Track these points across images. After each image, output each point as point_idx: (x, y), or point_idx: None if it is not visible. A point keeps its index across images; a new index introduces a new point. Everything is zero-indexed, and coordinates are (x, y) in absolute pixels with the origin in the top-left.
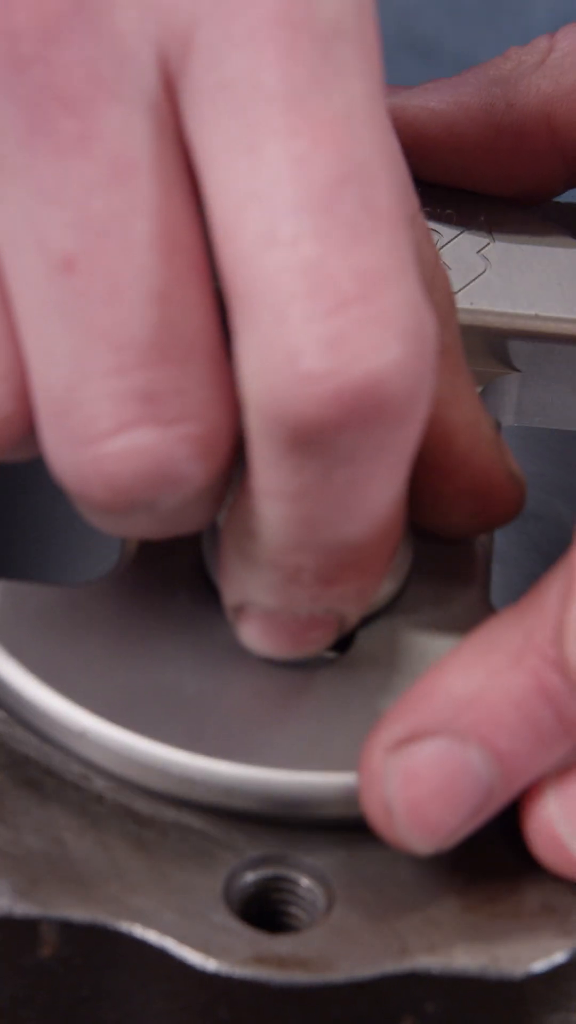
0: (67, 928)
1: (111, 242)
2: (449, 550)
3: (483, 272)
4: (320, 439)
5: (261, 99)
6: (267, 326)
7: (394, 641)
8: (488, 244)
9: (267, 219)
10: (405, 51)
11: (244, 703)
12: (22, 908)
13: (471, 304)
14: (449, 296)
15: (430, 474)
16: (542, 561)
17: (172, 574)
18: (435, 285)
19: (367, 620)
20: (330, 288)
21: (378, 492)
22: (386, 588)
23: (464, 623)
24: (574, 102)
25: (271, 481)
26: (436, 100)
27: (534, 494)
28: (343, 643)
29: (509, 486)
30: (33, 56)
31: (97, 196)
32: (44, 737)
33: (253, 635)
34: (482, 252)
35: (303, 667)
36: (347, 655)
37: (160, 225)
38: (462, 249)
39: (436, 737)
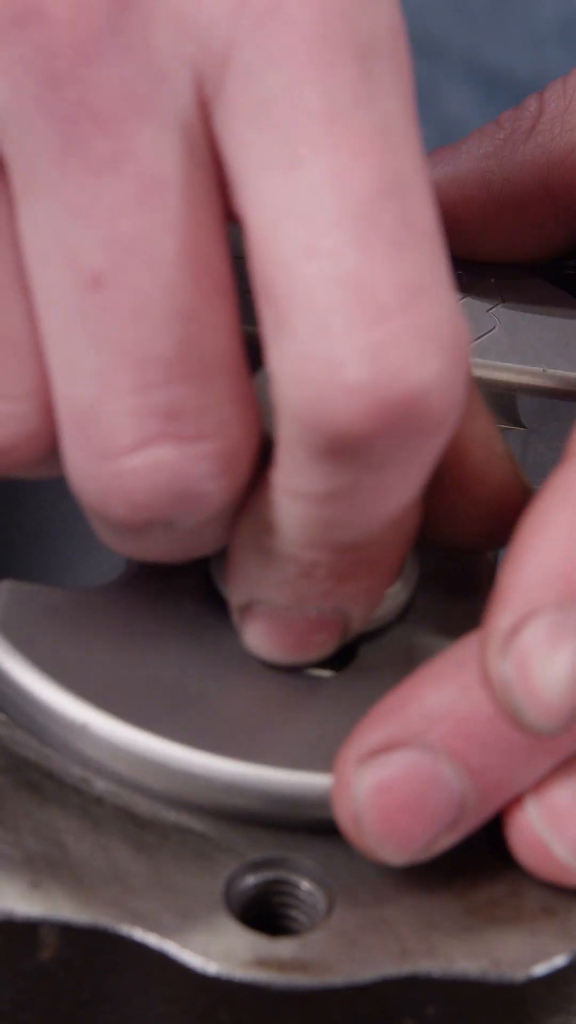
0: (67, 931)
1: (138, 260)
2: (453, 564)
3: (492, 329)
4: (356, 448)
5: (301, 116)
6: (307, 336)
7: (398, 652)
8: (497, 304)
9: (308, 231)
10: (413, 51)
11: (246, 705)
12: (22, 911)
13: (480, 360)
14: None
15: (447, 489)
16: None
17: (178, 581)
18: None
19: (372, 634)
20: (371, 299)
21: (401, 495)
22: (392, 602)
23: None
24: (568, 170)
25: (300, 483)
26: (435, 178)
27: None
28: (343, 659)
29: (525, 499)
30: (69, 74)
31: (127, 215)
32: (45, 733)
33: (258, 635)
34: (491, 312)
35: (306, 679)
36: (352, 665)
37: (187, 244)
38: (472, 308)
39: (407, 749)
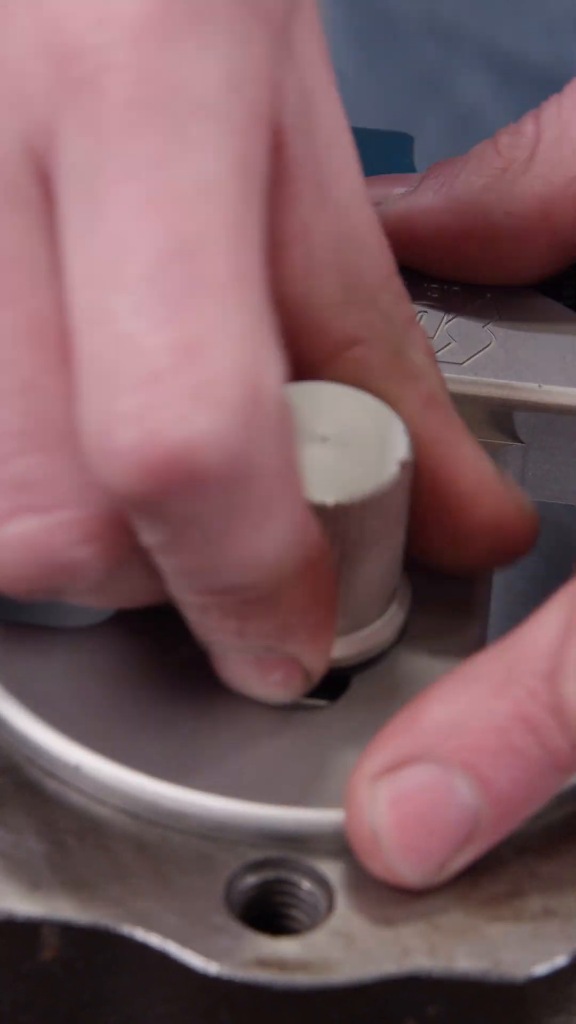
0: (69, 931)
1: None
2: (446, 595)
3: (488, 345)
4: (147, 506)
5: (102, 181)
6: (88, 401)
7: (391, 685)
8: (494, 320)
9: (95, 295)
10: (428, 36)
11: (239, 741)
12: (24, 911)
13: (476, 376)
14: (428, 351)
15: (443, 514)
16: (543, 564)
17: (169, 619)
18: (411, 341)
19: (363, 666)
20: (142, 362)
21: (249, 543)
22: (379, 638)
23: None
24: (568, 199)
25: (141, 536)
26: (435, 210)
27: None
28: (335, 690)
29: (522, 517)
30: None
31: None
32: (42, 771)
33: (223, 674)
34: (487, 327)
35: (298, 710)
36: (344, 697)
37: (27, 319)
38: (468, 324)
39: (420, 763)
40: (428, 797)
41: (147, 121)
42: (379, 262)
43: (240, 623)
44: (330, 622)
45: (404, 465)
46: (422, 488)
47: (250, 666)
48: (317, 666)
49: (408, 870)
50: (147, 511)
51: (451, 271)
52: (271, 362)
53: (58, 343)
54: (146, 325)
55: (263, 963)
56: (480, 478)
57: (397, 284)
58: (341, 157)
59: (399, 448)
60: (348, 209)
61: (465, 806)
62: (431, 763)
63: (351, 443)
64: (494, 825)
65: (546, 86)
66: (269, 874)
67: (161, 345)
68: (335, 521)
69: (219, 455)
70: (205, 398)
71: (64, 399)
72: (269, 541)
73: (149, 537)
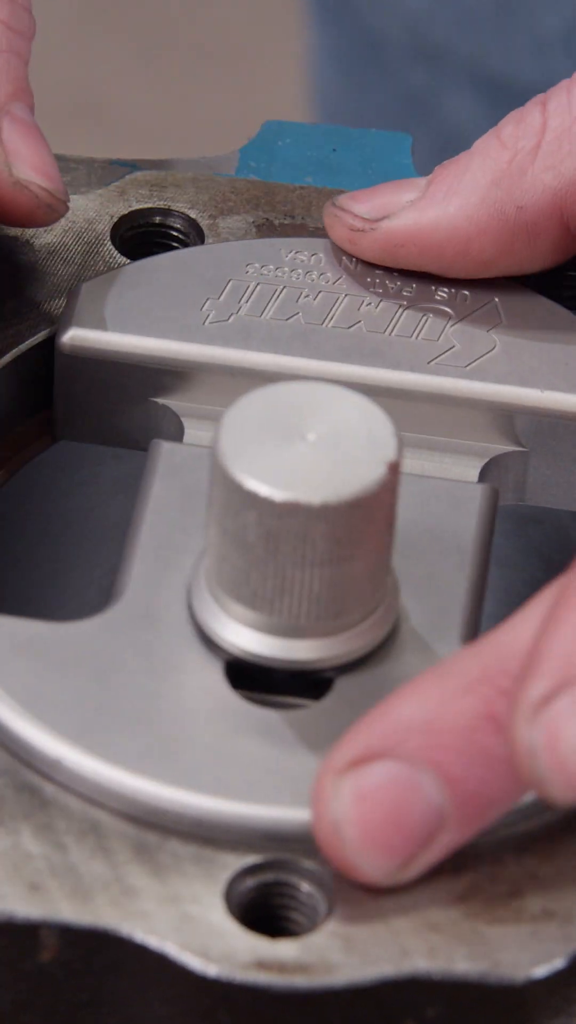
0: (67, 933)
1: None
2: (434, 598)
3: (492, 349)
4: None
5: None
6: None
7: (374, 687)
8: (498, 324)
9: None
10: (415, 58)
11: (222, 740)
12: (23, 913)
13: (479, 381)
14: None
15: None
16: (542, 565)
17: (159, 616)
18: None
19: (347, 668)
20: None
21: None
22: (365, 639)
23: None
24: None
25: None
26: (446, 216)
27: None
28: (318, 691)
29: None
30: None
31: None
32: (40, 774)
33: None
34: (491, 332)
35: (283, 709)
36: (326, 700)
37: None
38: (472, 328)
39: (385, 759)
40: (392, 793)
41: None
42: None
43: None
44: None
45: (392, 466)
46: None
47: None
48: None
49: (369, 866)
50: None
51: (465, 271)
52: None
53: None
54: None
55: (262, 965)
56: None
57: None
58: None
59: (388, 449)
60: None
61: (430, 804)
62: (398, 759)
63: (340, 443)
64: (460, 824)
65: None
66: (268, 876)
67: None
68: (322, 520)
69: None
70: None
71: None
72: None
73: None
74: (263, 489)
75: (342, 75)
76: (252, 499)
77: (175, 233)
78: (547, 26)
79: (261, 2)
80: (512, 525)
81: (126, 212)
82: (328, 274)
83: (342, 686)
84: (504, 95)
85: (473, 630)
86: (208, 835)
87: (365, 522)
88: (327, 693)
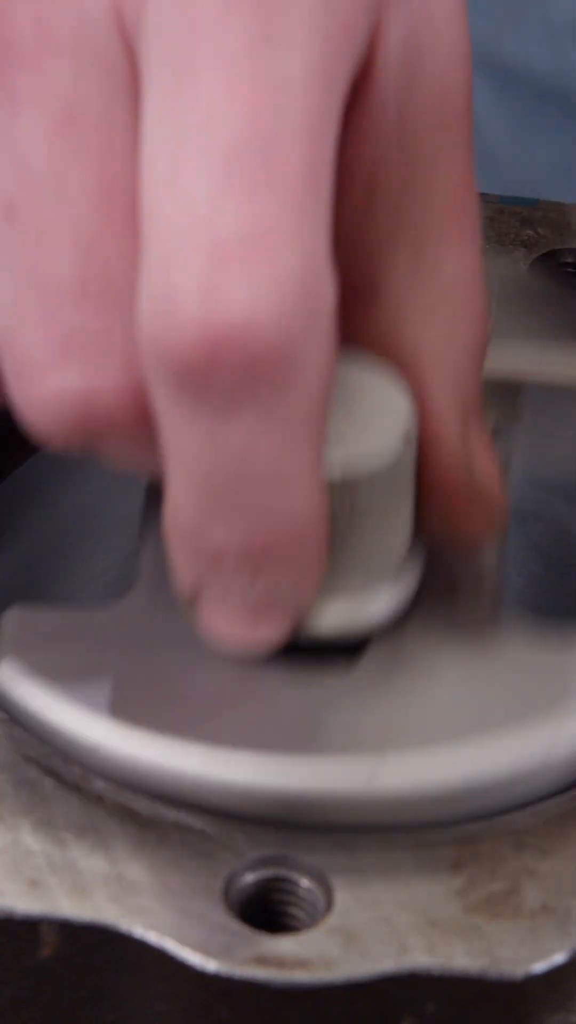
0: (67, 929)
1: (47, 191)
2: (458, 567)
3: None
4: (197, 381)
5: (192, 55)
6: (156, 272)
7: (402, 658)
8: (494, 297)
9: (172, 169)
10: None
11: (254, 715)
12: (23, 909)
13: None
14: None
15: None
16: (542, 562)
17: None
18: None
19: (375, 636)
20: (213, 243)
21: (276, 463)
22: (390, 603)
23: (473, 640)
24: None
25: (171, 439)
26: None
27: (534, 494)
28: (350, 661)
29: (472, 496)
30: None
31: (39, 148)
32: (54, 747)
33: (207, 627)
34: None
35: (314, 682)
36: (356, 671)
37: (100, 179)
38: None
39: None
40: None
41: (240, 9)
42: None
43: (252, 572)
44: (321, 568)
45: (408, 438)
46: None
47: (240, 614)
48: (305, 606)
49: None
50: (193, 386)
51: None
52: (328, 271)
53: (126, 209)
54: (223, 203)
55: (262, 961)
56: (429, 447)
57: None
58: (436, 114)
59: (405, 420)
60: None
61: None
62: None
63: (356, 413)
64: None
65: (547, 96)
66: (268, 872)
67: (234, 230)
68: (339, 492)
69: (278, 341)
70: (271, 284)
71: (124, 263)
72: (294, 468)
73: (183, 431)
74: None
75: None
76: None
77: None
78: (559, 14)
79: None
80: (511, 522)
81: None
82: None
83: (373, 653)
84: (516, 84)
85: (496, 591)
86: (251, 812)
87: (384, 492)
88: (360, 662)
